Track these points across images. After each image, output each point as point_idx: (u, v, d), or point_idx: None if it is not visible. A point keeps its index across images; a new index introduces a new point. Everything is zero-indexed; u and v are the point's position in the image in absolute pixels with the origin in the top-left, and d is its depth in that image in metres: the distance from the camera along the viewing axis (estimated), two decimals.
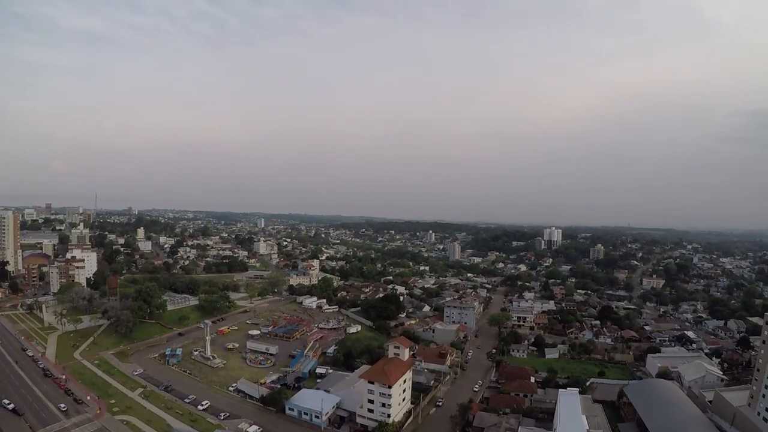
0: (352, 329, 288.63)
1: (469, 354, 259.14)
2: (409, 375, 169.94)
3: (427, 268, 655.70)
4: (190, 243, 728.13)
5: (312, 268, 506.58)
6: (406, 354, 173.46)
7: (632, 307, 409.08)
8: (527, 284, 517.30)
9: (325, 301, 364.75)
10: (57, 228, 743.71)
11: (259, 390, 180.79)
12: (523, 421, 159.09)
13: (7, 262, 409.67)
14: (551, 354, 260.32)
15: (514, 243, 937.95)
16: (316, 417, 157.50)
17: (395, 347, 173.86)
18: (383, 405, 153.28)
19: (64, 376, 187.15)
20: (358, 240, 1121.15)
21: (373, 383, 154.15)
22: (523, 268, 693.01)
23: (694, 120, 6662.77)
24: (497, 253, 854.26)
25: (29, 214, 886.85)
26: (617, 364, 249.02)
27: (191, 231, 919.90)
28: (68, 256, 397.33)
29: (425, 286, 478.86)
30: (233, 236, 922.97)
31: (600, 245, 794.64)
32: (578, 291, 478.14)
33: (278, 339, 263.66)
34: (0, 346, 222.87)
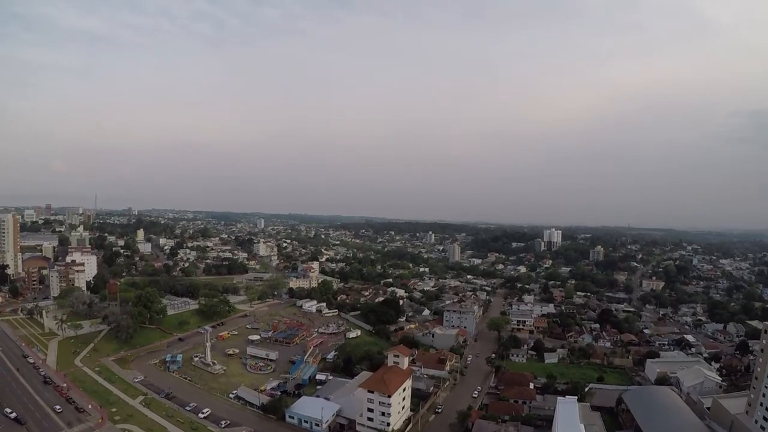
0: (352, 334, 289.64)
1: (469, 359, 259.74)
2: (408, 383, 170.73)
3: (426, 269, 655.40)
4: (190, 244, 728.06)
5: (312, 271, 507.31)
6: (405, 362, 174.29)
7: (632, 309, 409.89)
8: (527, 286, 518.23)
9: (324, 304, 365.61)
10: (57, 229, 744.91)
11: (260, 397, 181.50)
12: (522, 429, 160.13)
13: (7, 265, 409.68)
14: (550, 359, 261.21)
15: (514, 244, 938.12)
16: (316, 425, 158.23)
17: (395, 356, 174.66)
18: (383, 414, 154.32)
19: (65, 384, 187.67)
20: (357, 241, 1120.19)
21: (372, 392, 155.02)
22: (522, 269, 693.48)
23: (694, 120, 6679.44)
24: (497, 255, 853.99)
25: (29, 215, 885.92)
26: (616, 369, 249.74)
27: (191, 232, 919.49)
28: (68, 259, 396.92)
29: (425, 288, 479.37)
30: (233, 237, 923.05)
31: (600, 247, 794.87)
32: (578, 293, 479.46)
33: (278, 344, 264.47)
34: (1, 353, 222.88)
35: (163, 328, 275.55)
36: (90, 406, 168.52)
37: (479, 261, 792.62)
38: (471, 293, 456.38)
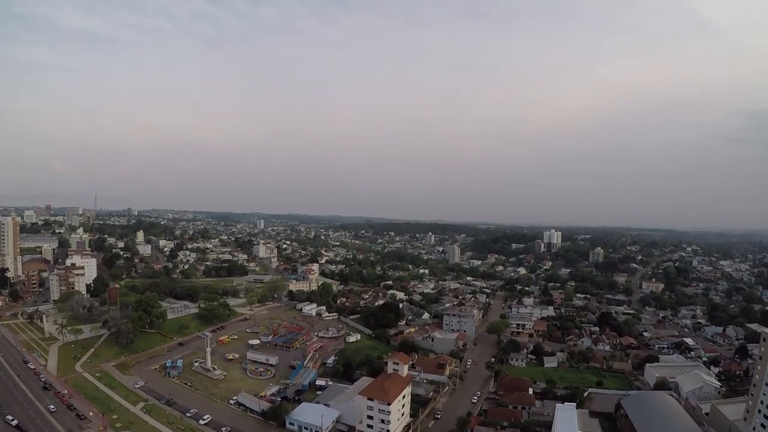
0: (352, 338, 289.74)
1: (468, 363, 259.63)
2: (408, 390, 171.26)
3: (426, 271, 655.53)
4: (189, 246, 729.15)
5: (312, 273, 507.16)
6: (405, 370, 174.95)
7: (631, 312, 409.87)
8: (526, 288, 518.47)
9: (324, 307, 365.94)
10: (57, 231, 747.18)
11: (260, 404, 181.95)
12: None
13: (7, 268, 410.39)
14: (550, 363, 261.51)
15: (514, 245, 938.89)
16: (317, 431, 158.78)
17: (394, 363, 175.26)
18: (382, 421, 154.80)
19: (66, 391, 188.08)
20: (357, 242, 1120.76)
21: (372, 400, 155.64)
22: (522, 271, 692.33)
23: (694, 120, 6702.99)
24: (497, 256, 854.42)
25: (29, 215, 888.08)
26: (616, 373, 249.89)
27: (191, 233, 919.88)
28: (68, 262, 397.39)
29: (425, 291, 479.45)
30: (233, 239, 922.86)
31: (600, 248, 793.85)
32: (578, 295, 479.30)
33: (278, 349, 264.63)
34: (2, 359, 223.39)
35: (163, 333, 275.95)
36: (91, 413, 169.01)
37: (479, 262, 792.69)
38: (471, 296, 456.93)
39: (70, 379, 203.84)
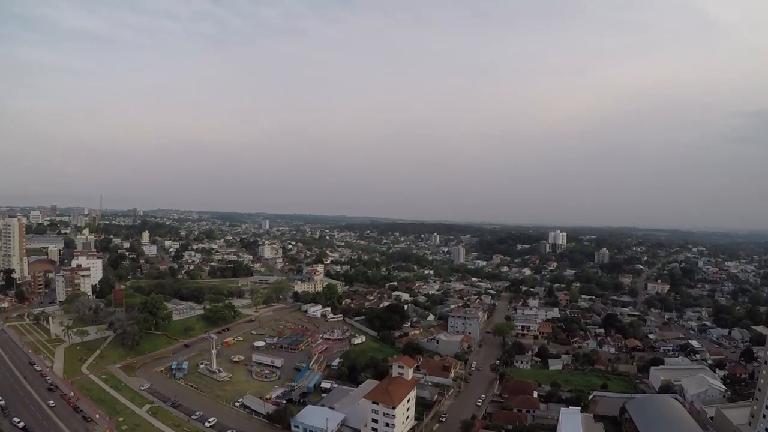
0: (357, 340, 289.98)
1: (473, 366, 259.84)
2: (412, 394, 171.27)
3: (431, 271, 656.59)
4: (195, 247, 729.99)
5: (317, 274, 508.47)
6: (409, 373, 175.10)
7: (637, 313, 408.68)
8: (532, 289, 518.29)
9: (329, 309, 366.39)
10: (62, 231, 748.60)
11: (265, 406, 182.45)
12: None
13: (14, 270, 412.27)
14: (555, 365, 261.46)
15: (519, 246, 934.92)
16: None
17: (399, 366, 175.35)
18: (387, 425, 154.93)
19: (72, 393, 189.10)
20: (362, 242, 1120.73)
21: (377, 403, 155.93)
22: (527, 272, 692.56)
23: (694, 120, 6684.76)
24: (502, 257, 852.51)
25: (35, 216, 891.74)
26: (620, 376, 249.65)
27: (196, 234, 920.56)
28: (74, 263, 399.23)
29: (430, 292, 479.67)
30: (238, 239, 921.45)
31: (605, 249, 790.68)
32: (583, 297, 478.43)
33: (283, 350, 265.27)
34: (9, 360, 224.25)
35: (168, 335, 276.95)
36: (97, 416, 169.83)
37: (484, 263, 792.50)
38: (476, 297, 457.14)
39: (76, 381, 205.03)
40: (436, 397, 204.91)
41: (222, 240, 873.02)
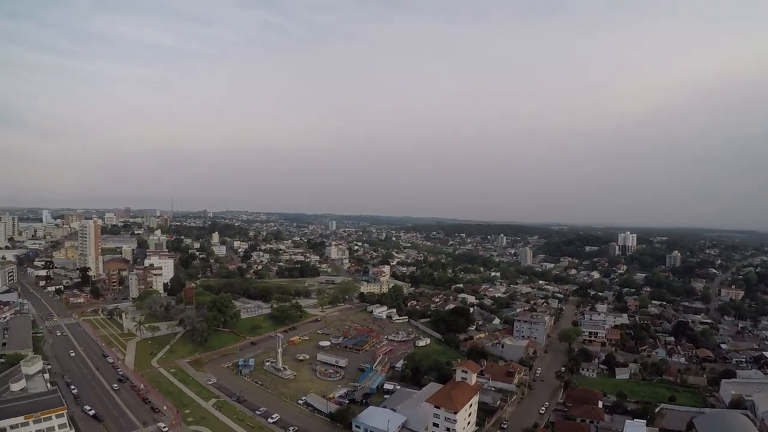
0: (422, 342, 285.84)
1: (537, 372, 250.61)
2: (475, 399, 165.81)
3: (498, 274, 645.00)
4: (263, 247, 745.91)
5: (383, 275, 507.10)
6: (473, 378, 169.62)
7: (709, 321, 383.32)
8: (600, 294, 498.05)
9: (395, 310, 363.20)
10: (136, 232, 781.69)
11: (328, 405, 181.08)
12: None
13: (89, 268, 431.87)
14: (621, 374, 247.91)
15: (588, 248, 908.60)
16: None
17: (463, 371, 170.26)
18: (447, 430, 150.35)
19: (142, 385, 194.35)
20: (428, 243, 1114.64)
21: (439, 408, 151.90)
22: (596, 275, 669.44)
23: None
24: (570, 259, 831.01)
25: (109, 218, 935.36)
26: (689, 388, 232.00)
27: (264, 235, 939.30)
28: (146, 262, 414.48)
29: (496, 295, 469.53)
30: (305, 240, 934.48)
31: (677, 251, 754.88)
32: (653, 302, 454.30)
33: (348, 351, 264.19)
34: (83, 352, 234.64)
35: (236, 332, 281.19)
36: (165, 407, 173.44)
37: (551, 265, 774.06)
38: (542, 301, 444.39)
39: (146, 374, 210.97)
40: (498, 403, 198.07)
41: (290, 241, 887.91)
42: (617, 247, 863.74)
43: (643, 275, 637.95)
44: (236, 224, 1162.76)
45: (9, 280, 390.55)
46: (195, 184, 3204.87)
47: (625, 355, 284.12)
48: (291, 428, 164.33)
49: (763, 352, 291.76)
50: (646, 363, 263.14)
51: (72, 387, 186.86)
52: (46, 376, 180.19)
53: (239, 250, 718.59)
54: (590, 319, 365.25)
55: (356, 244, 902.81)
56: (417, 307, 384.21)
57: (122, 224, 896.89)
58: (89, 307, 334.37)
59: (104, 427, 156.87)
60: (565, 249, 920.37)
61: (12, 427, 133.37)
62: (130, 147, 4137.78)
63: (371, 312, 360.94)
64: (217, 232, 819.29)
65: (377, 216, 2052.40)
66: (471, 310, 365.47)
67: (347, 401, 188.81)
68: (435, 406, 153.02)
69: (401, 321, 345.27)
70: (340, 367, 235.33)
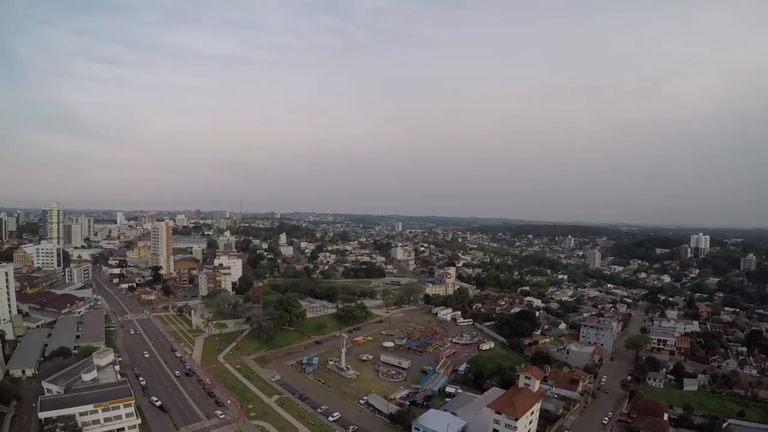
0: (485, 346, 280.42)
1: (602, 380, 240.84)
2: (537, 406, 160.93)
3: (565, 276, 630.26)
4: (329, 248, 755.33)
5: (448, 277, 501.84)
6: (536, 385, 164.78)
7: None
8: (670, 299, 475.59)
9: (459, 313, 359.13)
10: (206, 233, 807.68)
11: (388, 406, 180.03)
12: None
13: (161, 266, 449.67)
14: (689, 385, 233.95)
15: (658, 250, 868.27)
16: None
17: (526, 377, 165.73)
18: None
19: (208, 379, 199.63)
20: (494, 245, 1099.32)
21: (500, 413, 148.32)
22: (666, 279, 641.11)
23: None
24: (640, 262, 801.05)
25: (180, 219, 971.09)
26: (761, 403, 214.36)
27: (331, 236, 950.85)
28: (216, 262, 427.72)
29: (562, 299, 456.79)
30: (371, 241, 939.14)
31: (752, 254, 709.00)
32: (726, 309, 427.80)
33: (411, 352, 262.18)
34: (152, 346, 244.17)
35: (301, 331, 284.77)
36: (229, 402, 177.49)
37: (620, 268, 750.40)
38: (610, 305, 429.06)
39: (212, 369, 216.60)
40: (561, 410, 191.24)
41: (356, 242, 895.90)
42: (689, 250, 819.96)
43: (716, 280, 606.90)
44: (303, 225, 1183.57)
45: (85, 277, 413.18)
46: (263, 186, 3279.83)
47: (694, 365, 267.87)
48: (350, 427, 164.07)
49: None
50: (715, 374, 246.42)
51: (140, 379, 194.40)
52: (117, 367, 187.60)
53: (306, 250, 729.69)
54: (659, 325, 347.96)
55: (422, 246, 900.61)
56: (482, 309, 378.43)
57: (193, 225, 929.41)
58: (160, 303, 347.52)
59: (169, 418, 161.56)
60: (634, 251, 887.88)
61: (81, 414, 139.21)
62: (201, 152, 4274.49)
63: (436, 314, 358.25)
64: (284, 233, 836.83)
65: (443, 217, 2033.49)
66: (537, 313, 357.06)
67: (408, 403, 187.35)
68: (496, 412, 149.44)
69: (466, 324, 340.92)
70: (403, 368, 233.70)
